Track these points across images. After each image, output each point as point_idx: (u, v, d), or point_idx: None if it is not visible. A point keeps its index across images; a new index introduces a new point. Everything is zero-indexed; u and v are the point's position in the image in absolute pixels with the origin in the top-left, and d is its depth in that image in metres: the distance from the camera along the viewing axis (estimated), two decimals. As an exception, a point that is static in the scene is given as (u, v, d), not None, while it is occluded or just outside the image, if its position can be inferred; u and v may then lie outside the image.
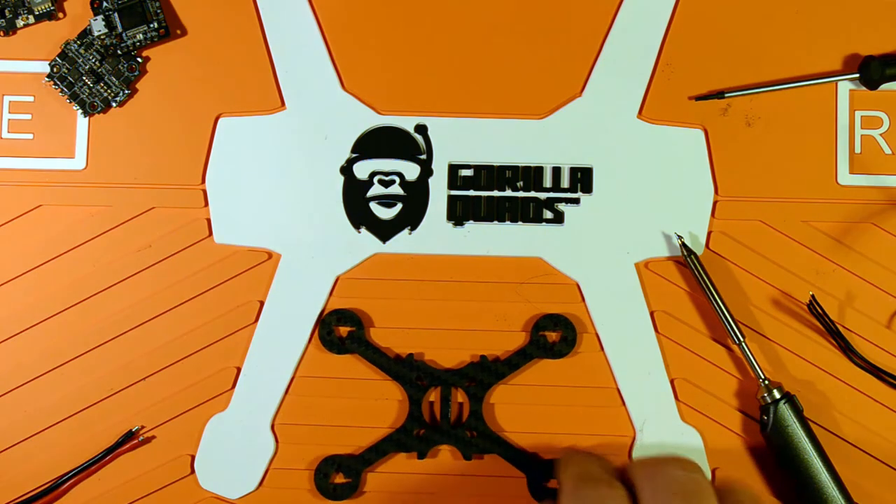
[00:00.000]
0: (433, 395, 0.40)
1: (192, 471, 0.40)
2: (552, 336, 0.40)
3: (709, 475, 0.39)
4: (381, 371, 0.40)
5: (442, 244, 0.41)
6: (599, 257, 0.40)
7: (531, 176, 0.41)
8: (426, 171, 0.41)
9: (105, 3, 0.41)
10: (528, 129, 0.41)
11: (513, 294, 0.40)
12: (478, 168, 0.41)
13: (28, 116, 0.41)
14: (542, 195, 0.41)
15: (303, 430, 0.40)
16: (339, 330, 0.40)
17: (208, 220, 0.41)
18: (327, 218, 0.41)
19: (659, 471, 0.31)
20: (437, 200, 0.41)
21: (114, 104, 0.41)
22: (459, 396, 0.40)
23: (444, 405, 0.39)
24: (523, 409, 0.40)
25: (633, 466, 0.32)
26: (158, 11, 0.41)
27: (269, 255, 0.41)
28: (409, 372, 0.39)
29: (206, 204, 0.41)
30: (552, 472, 0.39)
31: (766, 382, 0.38)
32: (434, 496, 0.39)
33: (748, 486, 0.34)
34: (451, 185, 0.41)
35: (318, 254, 0.41)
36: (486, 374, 0.39)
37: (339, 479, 0.39)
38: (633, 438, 0.39)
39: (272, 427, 0.40)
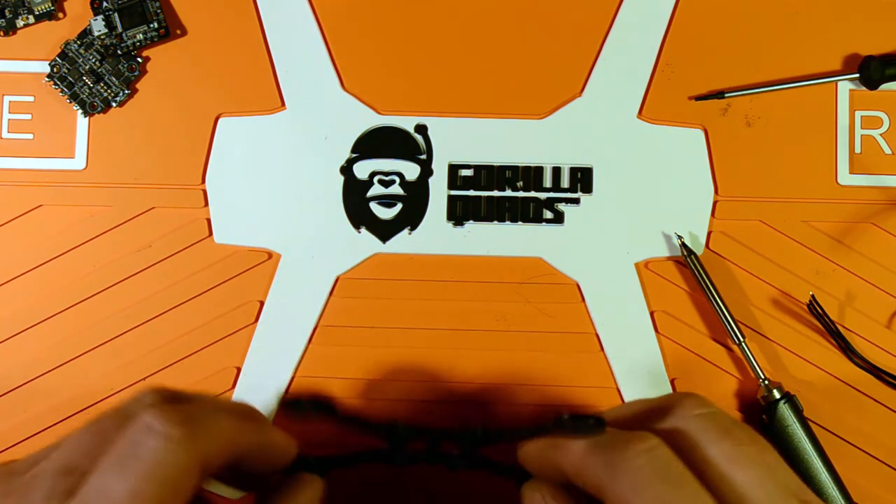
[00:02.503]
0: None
1: (192, 471, 0.40)
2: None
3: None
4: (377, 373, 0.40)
5: (442, 244, 0.40)
6: (599, 257, 0.40)
7: (531, 176, 0.41)
8: (426, 171, 0.41)
9: (105, 3, 0.41)
10: (528, 129, 0.41)
11: (513, 294, 0.40)
12: (478, 168, 0.41)
13: (28, 116, 0.41)
14: (542, 195, 0.41)
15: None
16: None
17: (208, 220, 0.41)
18: (327, 218, 0.41)
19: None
20: (437, 200, 0.41)
21: (114, 104, 0.41)
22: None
23: (430, 460, 0.31)
24: (521, 409, 0.40)
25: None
26: (158, 11, 0.41)
27: (269, 255, 0.41)
28: (396, 439, 0.30)
29: (206, 204, 0.41)
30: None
31: (766, 382, 0.38)
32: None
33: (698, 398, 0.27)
34: (451, 185, 0.41)
35: (318, 254, 0.41)
36: (482, 441, 0.30)
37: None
38: (633, 438, 0.39)
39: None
